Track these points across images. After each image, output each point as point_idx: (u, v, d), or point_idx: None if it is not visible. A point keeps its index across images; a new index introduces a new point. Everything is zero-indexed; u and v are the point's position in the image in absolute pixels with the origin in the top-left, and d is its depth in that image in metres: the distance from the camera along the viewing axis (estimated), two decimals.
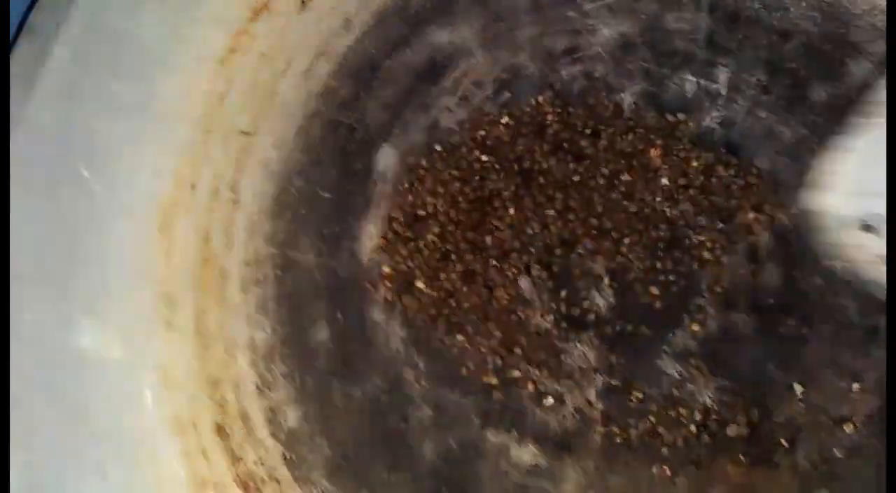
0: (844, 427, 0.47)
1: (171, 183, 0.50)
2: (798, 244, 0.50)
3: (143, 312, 0.49)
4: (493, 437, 0.49)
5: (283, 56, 0.53)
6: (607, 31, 0.54)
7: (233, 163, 0.52)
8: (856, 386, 0.48)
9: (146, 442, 0.47)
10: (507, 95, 0.53)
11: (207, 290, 0.50)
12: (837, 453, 0.47)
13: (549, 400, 0.49)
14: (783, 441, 0.48)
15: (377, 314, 0.51)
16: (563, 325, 0.50)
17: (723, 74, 0.52)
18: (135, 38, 0.50)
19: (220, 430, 0.49)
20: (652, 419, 0.49)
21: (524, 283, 0.51)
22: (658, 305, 0.50)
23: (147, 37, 0.50)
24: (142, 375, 0.48)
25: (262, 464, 0.49)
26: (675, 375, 0.49)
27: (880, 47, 0.52)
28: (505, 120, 0.53)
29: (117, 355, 0.48)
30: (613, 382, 0.49)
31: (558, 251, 0.51)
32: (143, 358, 0.49)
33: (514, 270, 0.51)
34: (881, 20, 0.51)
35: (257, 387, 0.50)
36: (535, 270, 0.51)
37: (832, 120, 0.51)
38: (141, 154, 0.50)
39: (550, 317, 0.50)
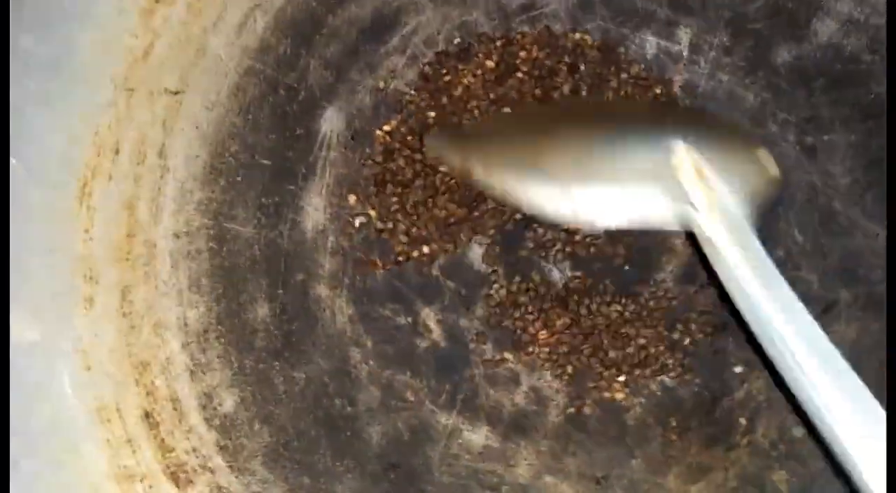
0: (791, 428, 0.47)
1: (91, 148, 0.46)
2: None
3: (60, 290, 0.45)
4: (443, 419, 0.47)
5: (214, 8, 0.49)
6: None
7: (160, 125, 0.48)
8: None
9: (64, 432, 0.44)
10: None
11: (133, 265, 0.47)
12: (796, 432, 0.47)
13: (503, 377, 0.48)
14: (742, 420, 0.47)
15: (322, 290, 0.49)
16: (520, 300, 0.48)
17: (684, 35, 0.51)
18: None
19: (148, 417, 0.46)
20: (608, 396, 0.48)
21: (475, 252, 0.49)
22: (619, 279, 0.49)
23: None
24: (59, 358, 0.45)
25: (195, 453, 0.46)
26: (633, 352, 0.48)
27: (845, 6, 0.51)
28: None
29: (32, 337, 0.44)
30: (569, 361, 0.48)
31: (514, 221, 0.49)
32: (60, 340, 0.45)
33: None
34: None
35: (189, 370, 0.47)
36: (486, 240, 0.49)
37: (795, 83, 0.50)
38: (56, 117, 0.46)
39: (503, 291, 0.49)
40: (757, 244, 0.41)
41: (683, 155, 0.43)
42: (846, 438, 0.35)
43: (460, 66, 0.51)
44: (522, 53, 0.51)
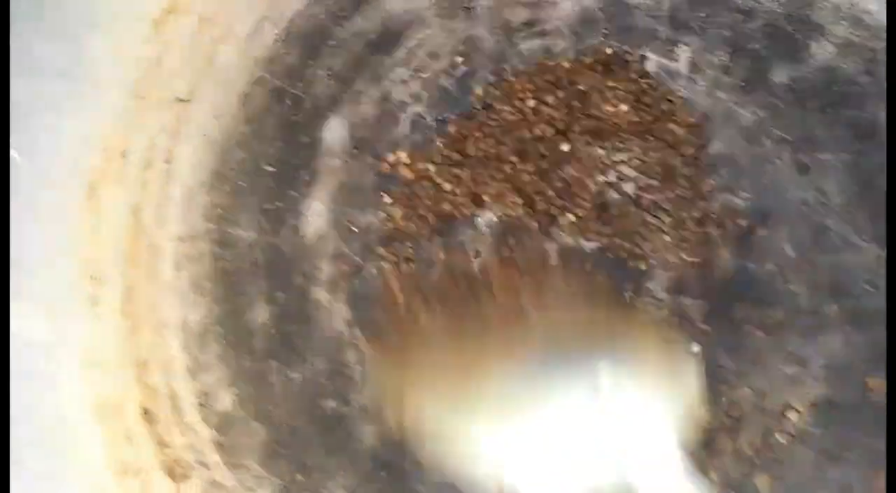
0: (788, 414, 0.47)
1: (100, 153, 0.47)
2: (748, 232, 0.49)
3: (66, 289, 0.46)
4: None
5: (225, 19, 0.50)
6: (568, 5, 0.52)
7: (168, 132, 0.49)
8: (802, 373, 0.48)
9: (66, 427, 0.45)
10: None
11: (137, 267, 0.48)
12: (780, 438, 0.47)
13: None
14: (727, 426, 0.47)
15: (321, 294, 0.50)
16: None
17: (684, 53, 0.52)
18: None
19: (147, 414, 0.47)
20: None
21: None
22: (607, 287, 0.49)
23: None
24: (64, 356, 0.46)
25: (192, 449, 0.47)
26: None
27: (842, 30, 0.51)
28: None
29: (38, 334, 0.45)
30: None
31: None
32: (65, 338, 0.46)
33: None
34: (845, 1, 0.50)
35: (189, 370, 0.48)
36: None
37: (792, 103, 0.50)
38: (66, 121, 0.47)
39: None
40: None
41: (607, 375, 0.43)
42: None
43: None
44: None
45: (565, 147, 0.50)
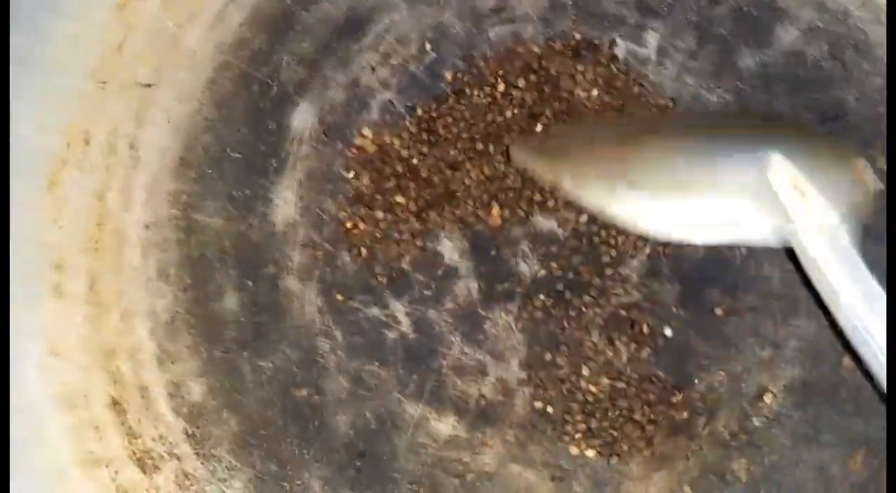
0: (764, 397, 0.48)
1: (61, 139, 0.46)
2: None
3: (27, 277, 0.45)
4: (411, 409, 0.48)
5: (189, 3, 0.49)
6: None
7: (132, 117, 0.48)
8: (776, 356, 0.48)
9: (29, 418, 0.44)
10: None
11: (102, 254, 0.47)
12: (756, 422, 0.47)
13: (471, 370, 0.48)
14: (702, 410, 0.48)
15: (292, 282, 0.49)
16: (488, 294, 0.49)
17: (652, 39, 0.52)
18: None
19: (115, 404, 0.46)
20: (573, 390, 0.48)
21: (446, 248, 0.49)
22: (583, 275, 0.49)
23: None
24: (26, 345, 0.45)
25: (162, 440, 0.46)
26: (598, 346, 0.48)
27: (808, 13, 0.52)
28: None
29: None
30: (535, 352, 0.48)
31: (480, 217, 0.50)
32: (26, 326, 0.45)
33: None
34: None
35: (157, 359, 0.47)
36: (458, 236, 0.49)
37: (759, 87, 0.51)
38: (26, 107, 0.46)
39: (475, 285, 0.49)
40: (858, 260, 0.40)
41: (780, 169, 0.42)
42: None
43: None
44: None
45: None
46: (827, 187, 0.42)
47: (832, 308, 0.40)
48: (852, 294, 0.39)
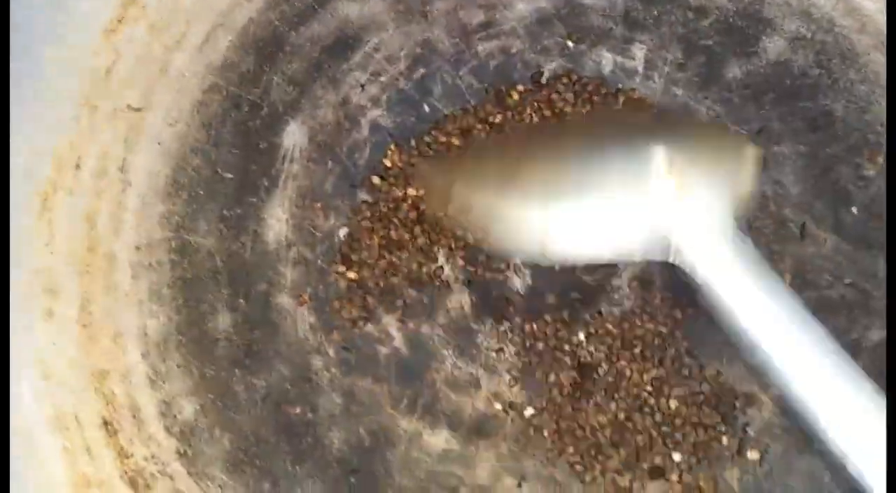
0: (756, 406, 0.47)
1: (52, 162, 0.47)
2: None
3: (19, 301, 0.45)
4: (404, 424, 0.48)
5: (177, 27, 0.50)
6: (523, 6, 0.53)
7: (121, 141, 0.49)
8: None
9: (22, 440, 0.44)
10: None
11: (93, 277, 0.47)
12: (749, 431, 0.47)
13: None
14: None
15: (284, 300, 0.49)
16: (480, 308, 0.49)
17: (639, 51, 0.52)
18: (11, 7, 0.46)
19: (107, 425, 0.46)
20: (567, 402, 0.48)
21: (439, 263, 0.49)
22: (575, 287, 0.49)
23: (25, 5, 0.46)
24: (19, 368, 0.45)
25: (154, 460, 0.46)
26: (590, 356, 0.48)
27: (793, 24, 0.52)
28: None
29: None
30: (529, 365, 0.48)
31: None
32: (20, 350, 0.45)
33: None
34: None
35: (149, 379, 0.47)
36: (450, 251, 0.49)
37: (746, 97, 0.51)
38: (17, 131, 0.46)
39: (468, 299, 0.49)
40: (733, 255, 0.40)
41: (662, 160, 0.42)
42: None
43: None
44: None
45: None
46: (711, 177, 0.42)
47: (722, 301, 0.40)
48: (746, 297, 0.39)
